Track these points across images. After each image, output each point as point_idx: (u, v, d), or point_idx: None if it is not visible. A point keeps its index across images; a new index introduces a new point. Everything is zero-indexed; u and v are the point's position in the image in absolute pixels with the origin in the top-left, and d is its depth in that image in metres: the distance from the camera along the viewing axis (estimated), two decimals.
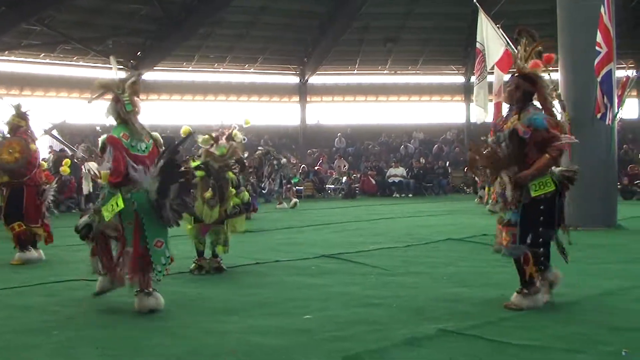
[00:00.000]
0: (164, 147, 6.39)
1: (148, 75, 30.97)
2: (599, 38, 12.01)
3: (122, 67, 6.12)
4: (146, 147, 6.22)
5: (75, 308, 6.33)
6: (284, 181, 22.06)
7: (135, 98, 6.23)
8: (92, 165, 7.62)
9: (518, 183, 5.92)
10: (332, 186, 29.11)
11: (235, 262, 8.97)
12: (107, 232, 6.30)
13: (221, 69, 34.67)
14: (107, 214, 5.99)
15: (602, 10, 12.01)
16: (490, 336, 5.02)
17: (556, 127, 6.02)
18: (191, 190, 6.59)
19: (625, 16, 29.39)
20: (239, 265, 8.87)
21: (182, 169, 6.29)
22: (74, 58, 30.72)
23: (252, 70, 35.22)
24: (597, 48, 12.03)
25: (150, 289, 6.09)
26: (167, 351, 4.84)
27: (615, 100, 12.87)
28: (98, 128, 25.96)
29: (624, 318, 5.60)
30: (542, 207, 6.02)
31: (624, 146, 26.50)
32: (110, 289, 6.51)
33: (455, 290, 6.66)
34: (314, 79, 35.93)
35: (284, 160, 22.99)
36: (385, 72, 35.75)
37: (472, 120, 30.01)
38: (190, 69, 34.21)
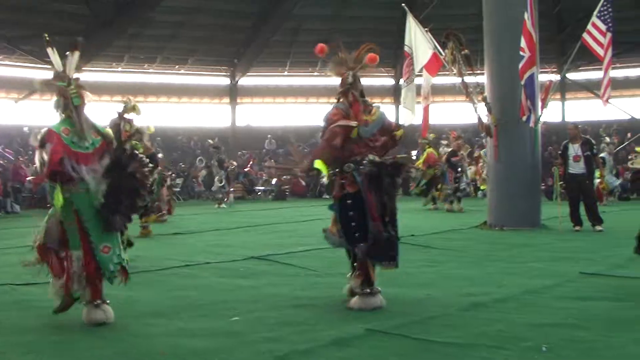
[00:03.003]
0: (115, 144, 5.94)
1: (76, 76, 30.08)
2: (522, 43, 12.32)
3: (49, 66, 5.97)
4: (91, 144, 5.75)
5: (2, 313, 6.18)
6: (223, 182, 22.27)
7: (83, 92, 5.94)
8: None
9: (302, 170, 6.32)
10: (262, 188, 29.08)
11: (165, 265, 8.90)
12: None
13: (151, 70, 34.26)
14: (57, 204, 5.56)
15: (525, 16, 12.31)
16: (416, 335, 5.10)
17: (346, 117, 6.20)
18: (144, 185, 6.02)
19: (550, 22, 30.25)
20: (168, 267, 8.79)
21: (133, 166, 5.75)
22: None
23: (182, 71, 34.92)
24: (520, 52, 12.34)
25: (99, 301, 5.66)
26: (97, 354, 4.79)
27: (539, 104, 13.24)
28: (26, 129, 25.47)
29: (546, 315, 5.76)
30: (349, 202, 6.18)
31: (549, 148, 27.15)
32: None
33: (382, 290, 6.73)
34: (245, 80, 35.85)
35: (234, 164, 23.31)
36: (315, 74, 35.89)
37: (401, 122, 30.33)
38: (119, 69, 33.73)
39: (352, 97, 6.38)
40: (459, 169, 19.04)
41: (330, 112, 6.33)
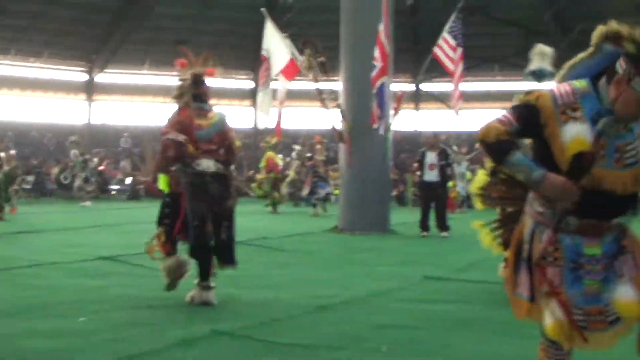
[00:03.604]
0: None
1: None
2: (376, 52, 12.66)
3: None
4: None
5: None
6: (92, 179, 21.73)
7: None
8: None
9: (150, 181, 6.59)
10: (117, 187, 28.36)
11: (11, 264, 8.56)
12: None
13: (5, 62, 32.64)
14: None
15: (380, 26, 12.66)
16: (261, 336, 5.14)
17: (175, 124, 6.37)
18: None
19: (407, 33, 31.23)
20: (15, 267, 8.46)
21: None
22: None
23: (37, 64, 33.49)
24: (374, 62, 12.66)
25: None
26: None
27: (391, 112, 13.63)
28: None
29: (388, 317, 5.96)
30: (167, 200, 6.66)
31: (401, 155, 27.98)
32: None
33: (229, 291, 6.76)
34: (102, 77, 34.86)
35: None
36: (174, 73, 35.22)
37: (259, 125, 30.44)
38: None
39: (183, 102, 6.49)
40: (317, 174, 19.06)
41: (167, 123, 6.45)
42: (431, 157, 13.29)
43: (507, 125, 2.93)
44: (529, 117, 2.92)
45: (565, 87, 2.95)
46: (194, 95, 6.48)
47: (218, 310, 6.10)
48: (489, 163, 5.73)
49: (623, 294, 2.91)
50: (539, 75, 7.10)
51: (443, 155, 13.41)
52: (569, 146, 2.83)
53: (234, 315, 5.95)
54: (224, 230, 6.30)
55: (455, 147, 27.91)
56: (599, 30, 2.97)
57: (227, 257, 6.39)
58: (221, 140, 6.39)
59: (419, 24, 31.86)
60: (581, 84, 2.94)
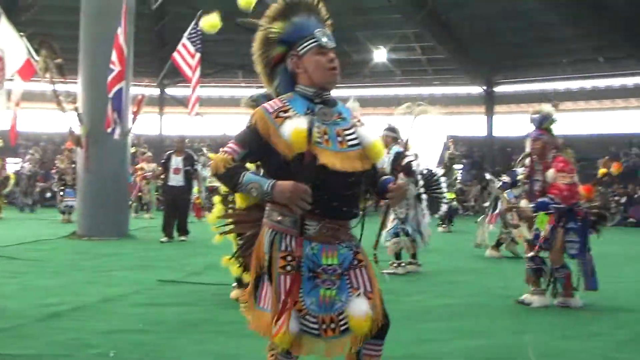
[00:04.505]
0: None
1: None
2: (114, 56, 12.57)
3: None
4: None
5: None
6: None
7: None
8: None
9: None
10: None
11: None
12: None
13: None
14: None
15: (119, 30, 12.60)
16: None
17: None
18: None
19: (152, 37, 31.05)
20: None
21: None
22: None
23: None
24: (111, 66, 12.57)
25: None
26: None
27: (130, 117, 13.59)
28: None
29: (119, 322, 6.02)
30: None
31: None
32: None
33: None
34: None
35: None
36: None
37: None
38: None
39: None
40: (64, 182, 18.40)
41: None
42: (176, 161, 13.30)
43: (232, 154, 3.13)
44: (251, 139, 3.14)
45: (274, 100, 3.24)
46: None
47: None
48: (222, 190, 6.04)
49: (356, 309, 3.07)
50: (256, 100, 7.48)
51: (189, 159, 13.45)
52: (291, 139, 3.02)
53: None
54: None
55: (205, 150, 28.29)
56: (258, 63, 3.36)
57: None
58: None
59: (164, 28, 31.81)
60: (287, 95, 3.25)
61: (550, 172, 6.95)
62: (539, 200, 7.06)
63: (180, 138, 14.28)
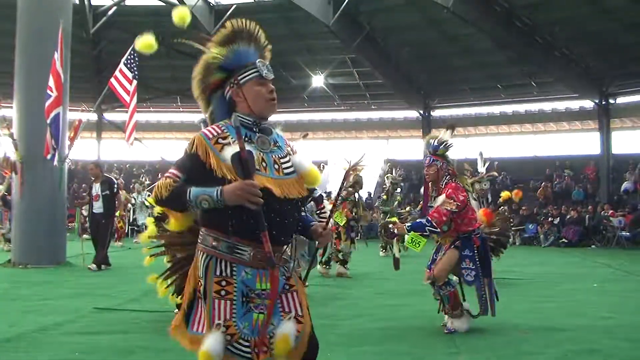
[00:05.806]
0: None
1: None
2: (51, 82, 12.46)
3: None
4: None
5: None
6: None
7: None
8: None
9: None
10: None
11: None
12: None
13: None
14: None
15: (55, 55, 12.50)
16: None
17: None
18: None
19: (90, 63, 30.81)
20: None
21: None
22: None
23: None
24: (48, 91, 12.45)
25: None
26: None
27: (67, 142, 13.44)
28: None
29: (53, 351, 5.95)
30: None
31: (70, 186, 27.58)
32: None
33: None
34: None
35: None
36: None
37: None
38: None
39: None
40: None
41: None
42: (95, 188, 13.13)
43: (173, 177, 3.17)
44: (191, 165, 3.18)
45: (213, 126, 3.30)
46: None
47: None
48: (156, 212, 6.02)
49: (280, 331, 3.13)
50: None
51: (105, 184, 13.14)
52: (232, 163, 3.08)
53: None
54: None
55: (142, 178, 28.11)
56: (196, 88, 3.44)
57: None
58: None
59: (101, 53, 31.58)
60: (223, 122, 3.32)
61: (441, 198, 7.04)
62: (417, 220, 7.24)
63: (93, 164, 14.03)
